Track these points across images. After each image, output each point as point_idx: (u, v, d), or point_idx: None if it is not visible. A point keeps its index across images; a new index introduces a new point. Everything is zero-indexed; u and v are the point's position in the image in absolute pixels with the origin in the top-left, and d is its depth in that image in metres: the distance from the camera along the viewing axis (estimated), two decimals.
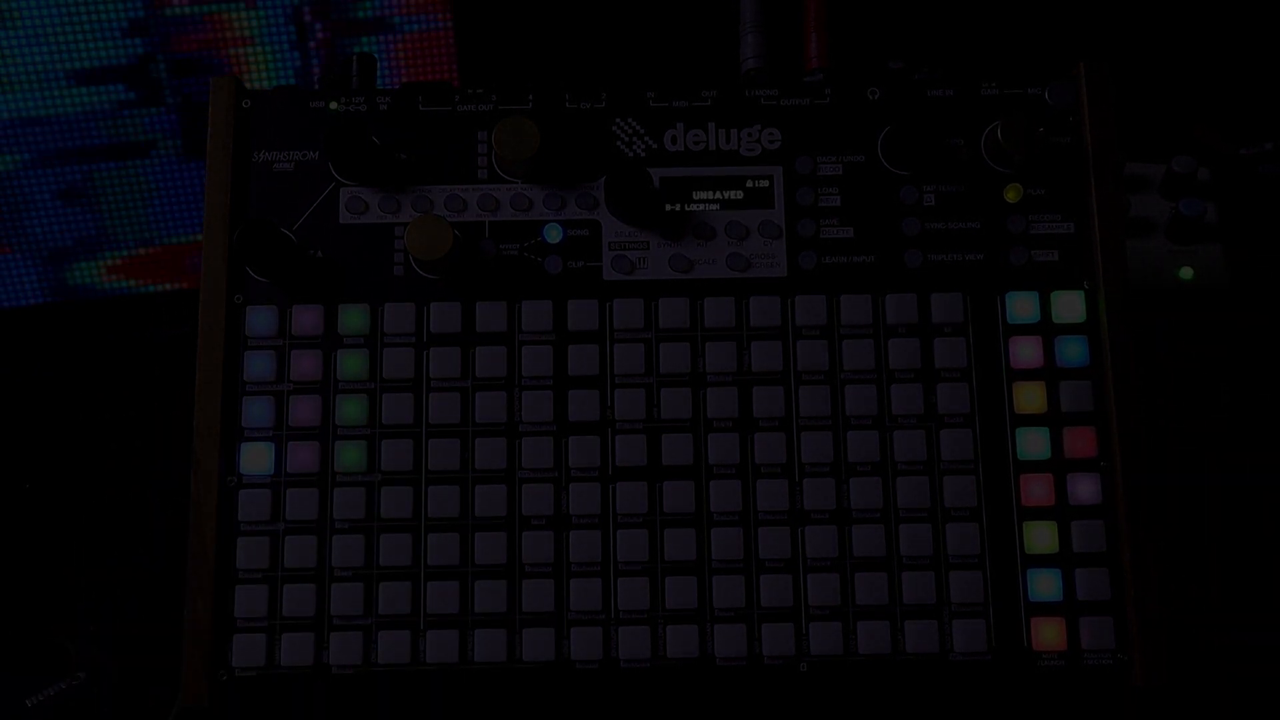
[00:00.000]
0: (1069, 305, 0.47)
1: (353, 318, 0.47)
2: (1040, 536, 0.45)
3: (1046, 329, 0.47)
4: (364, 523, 0.45)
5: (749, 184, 0.48)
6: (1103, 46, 0.64)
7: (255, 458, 0.46)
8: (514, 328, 0.47)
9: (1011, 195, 0.48)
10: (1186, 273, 0.58)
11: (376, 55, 0.62)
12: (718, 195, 0.48)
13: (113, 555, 0.57)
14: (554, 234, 0.48)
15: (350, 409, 0.46)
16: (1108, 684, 0.45)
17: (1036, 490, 0.46)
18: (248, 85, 0.49)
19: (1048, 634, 0.45)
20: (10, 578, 0.58)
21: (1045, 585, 0.45)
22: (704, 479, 0.46)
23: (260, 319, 0.47)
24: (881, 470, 0.46)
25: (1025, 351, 0.47)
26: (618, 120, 0.49)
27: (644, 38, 0.64)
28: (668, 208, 0.48)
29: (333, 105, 0.49)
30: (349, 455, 0.46)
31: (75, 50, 0.59)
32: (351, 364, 0.46)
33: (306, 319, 0.47)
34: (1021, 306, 0.47)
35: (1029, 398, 0.46)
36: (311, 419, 0.46)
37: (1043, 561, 0.45)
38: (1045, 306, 0.47)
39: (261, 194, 0.48)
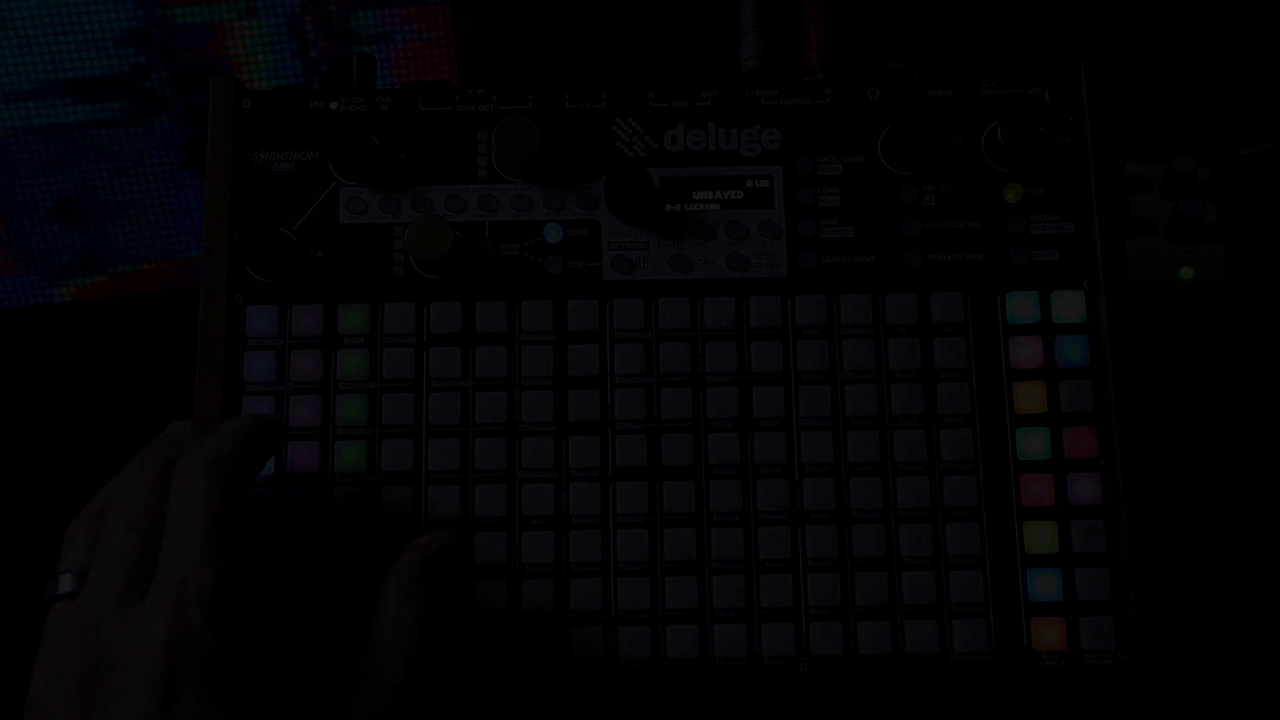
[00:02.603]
0: (1069, 305, 0.47)
1: (353, 318, 0.47)
2: (1040, 536, 0.45)
3: (1046, 329, 0.47)
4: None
5: (749, 184, 0.48)
6: (1103, 46, 0.64)
7: None
8: (514, 328, 0.47)
9: (1011, 195, 0.48)
10: (1186, 273, 0.58)
11: (375, 49, 0.63)
12: (718, 195, 0.48)
13: None
14: (554, 234, 0.48)
15: (350, 409, 0.46)
16: (1108, 684, 0.45)
17: (1036, 490, 0.46)
18: (243, 78, 0.49)
19: (1048, 634, 0.45)
20: (10, 579, 0.58)
21: (1045, 585, 0.45)
22: (704, 479, 0.46)
23: (260, 319, 0.47)
24: (881, 470, 0.46)
25: (1025, 351, 0.47)
26: (618, 120, 0.49)
27: (644, 38, 0.64)
28: (668, 208, 0.48)
29: (333, 105, 0.48)
30: (349, 455, 0.46)
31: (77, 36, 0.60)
32: (351, 364, 0.46)
33: (306, 319, 0.47)
34: (1021, 306, 0.47)
35: (1029, 398, 0.46)
36: (311, 419, 0.46)
37: (1043, 561, 0.45)
38: (1045, 306, 0.47)
39: (261, 194, 0.48)
